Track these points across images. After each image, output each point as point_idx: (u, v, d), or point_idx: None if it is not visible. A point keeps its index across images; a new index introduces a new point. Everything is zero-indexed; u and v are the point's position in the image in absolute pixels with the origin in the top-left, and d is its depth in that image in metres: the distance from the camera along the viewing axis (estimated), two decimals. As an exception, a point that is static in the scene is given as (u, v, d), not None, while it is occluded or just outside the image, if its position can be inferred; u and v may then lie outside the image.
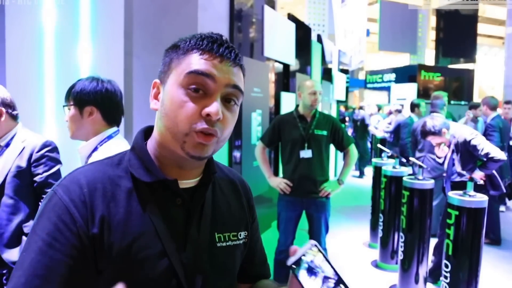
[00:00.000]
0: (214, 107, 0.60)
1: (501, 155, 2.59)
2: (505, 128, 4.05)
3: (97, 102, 1.28)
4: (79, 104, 1.28)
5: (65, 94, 1.31)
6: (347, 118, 9.91)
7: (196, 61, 0.61)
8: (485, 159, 2.64)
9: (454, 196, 2.33)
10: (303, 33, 5.27)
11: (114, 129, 1.33)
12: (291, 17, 4.93)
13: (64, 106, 1.32)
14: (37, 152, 1.51)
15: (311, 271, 0.58)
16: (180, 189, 0.65)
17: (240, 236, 0.72)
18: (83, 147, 1.29)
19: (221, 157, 3.36)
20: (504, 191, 2.90)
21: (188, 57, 0.62)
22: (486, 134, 3.95)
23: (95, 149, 1.27)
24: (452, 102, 8.11)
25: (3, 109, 1.52)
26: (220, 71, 0.61)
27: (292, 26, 4.79)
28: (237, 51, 0.65)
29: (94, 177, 0.62)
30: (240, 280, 0.78)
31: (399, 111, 6.48)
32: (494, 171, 2.77)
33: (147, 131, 0.70)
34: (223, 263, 0.68)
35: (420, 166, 2.83)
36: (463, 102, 8.92)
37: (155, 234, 0.61)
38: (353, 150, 2.61)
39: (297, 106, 2.66)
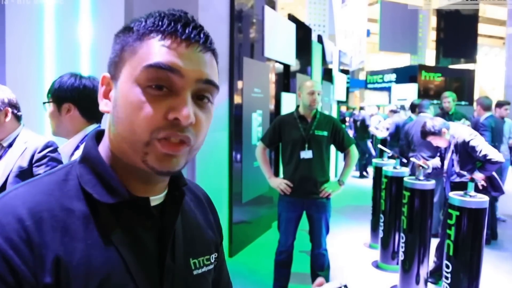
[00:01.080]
0: (185, 110, 0.47)
1: (499, 157, 2.59)
2: (498, 128, 4.07)
3: (74, 99, 1.27)
4: (57, 101, 1.28)
5: (47, 91, 1.33)
6: (347, 119, 9.90)
7: (156, 50, 0.48)
8: (483, 160, 2.64)
9: (455, 196, 2.33)
10: (303, 33, 5.28)
11: (94, 126, 1.32)
12: (292, 18, 4.93)
13: (44, 103, 1.33)
14: (39, 152, 1.51)
15: None
16: (152, 209, 0.53)
17: (212, 259, 0.61)
18: (65, 146, 1.29)
19: (221, 157, 3.36)
20: (504, 192, 2.89)
21: (144, 43, 0.48)
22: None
23: (77, 147, 1.26)
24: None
25: (9, 109, 1.52)
26: (188, 61, 0.48)
27: (292, 26, 4.79)
28: (207, 32, 0.51)
29: (37, 202, 0.45)
30: None
31: (394, 112, 6.48)
32: (494, 172, 2.77)
33: (99, 136, 0.56)
34: None
35: (421, 166, 2.82)
36: (463, 103, 8.92)
37: (126, 271, 0.48)
38: (353, 150, 2.61)
39: (297, 106, 2.66)
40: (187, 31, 0.48)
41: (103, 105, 0.53)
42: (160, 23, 0.49)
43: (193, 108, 0.49)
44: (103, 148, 0.54)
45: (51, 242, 0.44)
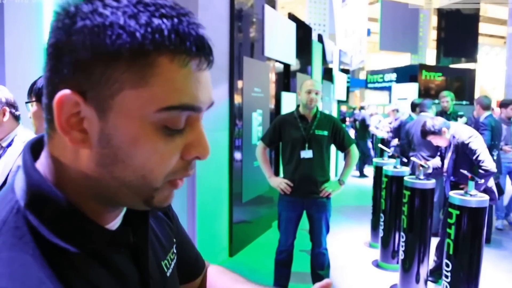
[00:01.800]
0: (208, 146, 0.41)
1: (492, 167, 2.58)
2: (497, 127, 4.08)
3: None
4: (41, 100, 1.30)
5: (28, 91, 1.36)
6: (347, 119, 9.90)
7: (179, 80, 0.37)
8: (476, 165, 2.63)
9: (455, 195, 2.33)
10: (303, 32, 5.27)
11: None
12: (292, 17, 4.93)
13: (26, 102, 1.35)
14: None
15: None
16: (130, 238, 0.46)
17: (174, 249, 0.59)
18: None
19: (221, 157, 3.36)
20: (498, 202, 2.92)
21: (158, 69, 0.36)
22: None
23: None
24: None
25: (7, 109, 1.53)
26: (204, 89, 0.40)
27: (292, 25, 4.79)
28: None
29: (21, 280, 0.35)
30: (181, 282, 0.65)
31: (397, 110, 6.50)
32: (492, 181, 2.75)
33: (35, 150, 0.44)
34: None
35: (421, 166, 2.82)
36: (464, 102, 8.91)
37: None
38: (354, 150, 2.61)
39: (298, 106, 2.66)
40: (204, 47, 0.39)
41: (77, 138, 0.38)
42: (173, 36, 0.36)
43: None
44: (46, 167, 0.41)
45: None
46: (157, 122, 0.37)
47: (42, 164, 0.42)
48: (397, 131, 5.34)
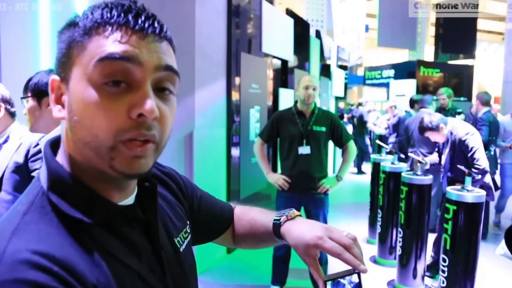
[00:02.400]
0: (148, 104, 0.44)
1: (485, 166, 2.58)
2: (495, 123, 4.09)
3: None
4: (37, 95, 1.34)
5: (23, 87, 1.36)
6: (345, 115, 9.90)
7: (108, 42, 0.44)
8: (470, 162, 2.62)
9: (452, 191, 2.34)
10: (301, 28, 5.26)
11: None
12: (290, 13, 4.91)
13: (22, 98, 1.36)
14: (34, 147, 1.51)
15: None
16: (139, 213, 0.53)
17: (188, 229, 0.64)
18: (47, 137, 1.30)
19: (219, 154, 3.35)
20: (494, 200, 2.93)
21: (94, 38, 0.45)
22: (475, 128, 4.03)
23: None
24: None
25: (2, 105, 1.52)
26: (144, 50, 0.45)
27: (290, 21, 4.77)
28: (161, 21, 0.48)
29: (44, 249, 0.41)
30: (218, 235, 0.77)
31: (395, 107, 6.51)
32: (489, 178, 2.75)
33: (54, 146, 0.52)
34: (190, 265, 0.62)
35: (419, 162, 2.82)
36: (462, 99, 8.92)
37: (138, 278, 0.49)
38: (352, 146, 2.61)
39: (295, 102, 2.65)
40: (139, 21, 0.45)
41: (56, 111, 0.48)
42: (108, 15, 0.45)
43: (156, 101, 0.46)
44: (63, 159, 0.49)
45: (86, 272, 0.43)
46: (97, 79, 0.44)
47: (60, 157, 0.50)
48: (396, 127, 5.34)
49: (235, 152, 3.55)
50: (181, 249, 0.60)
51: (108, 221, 0.48)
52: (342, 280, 0.59)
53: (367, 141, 7.93)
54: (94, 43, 0.45)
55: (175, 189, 0.67)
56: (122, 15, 0.45)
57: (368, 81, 11.13)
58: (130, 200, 0.52)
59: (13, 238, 0.41)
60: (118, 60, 0.44)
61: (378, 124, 7.33)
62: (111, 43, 0.44)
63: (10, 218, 0.45)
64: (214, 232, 0.76)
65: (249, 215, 0.78)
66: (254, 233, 0.75)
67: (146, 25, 0.46)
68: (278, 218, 0.69)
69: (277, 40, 4.36)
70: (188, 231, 0.65)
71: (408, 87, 8.82)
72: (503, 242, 1.34)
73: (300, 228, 0.65)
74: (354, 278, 0.59)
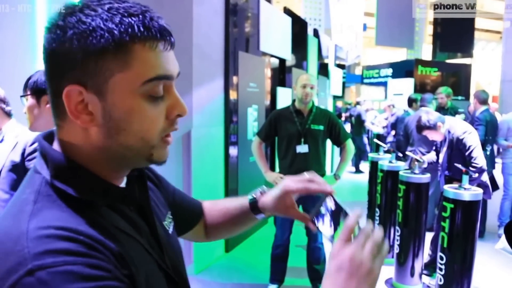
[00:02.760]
0: (184, 105, 0.53)
1: (483, 165, 2.58)
2: (492, 122, 4.06)
3: None
4: (37, 94, 1.35)
5: (23, 85, 1.38)
6: (343, 114, 9.91)
7: (152, 61, 0.49)
8: (467, 161, 2.63)
9: (449, 189, 2.34)
10: (299, 27, 5.26)
11: None
12: (287, 11, 4.91)
13: (21, 96, 1.38)
14: (30, 145, 1.50)
15: (323, 216, 0.65)
16: (136, 193, 0.59)
17: (170, 216, 0.68)
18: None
19: (217, 153, 3.35)
20: (491, 198, 2.93)
21: (135, 54, 0.48)
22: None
23: None
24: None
25: None
26: (172, 63, 0.51)
27: (288, 20, 4.76)
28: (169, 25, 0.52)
29: (63, 226, 0.44)
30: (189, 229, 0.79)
31: (393, 106, 6.52)
32: (486, 178, 2.76)
33: (48, 140, 0.54)
34: (178, 247, 0.66)
35: (417, 161, 2.83)
36: (460, 97, 8.93)
37: (146, 253, 0.54)
38: (349, 145, 2.61)
39: (293, 100, 2.65)
40: (163, 32, 0.49)
41: (86, 120, 0.49)
42: (140, 27, 0.47)
43: None
44: (65, 152, 0.51)
45: (107, 241, 0.46)
46: (143, 94, 0.49)
47: (57, 148, 0.53)
48: (394, 126, 5.35)
49: (233, 151, 3.55)
50: (170, 231, 0.65)
51: (113, 203, 0.52)
52: (322, 211, 0.65)
53: (365, 140, 7.94)
54: (139, 60, 0.48)
55: (154, 179, 0.71)
56: (150, 26, 0.48)
57: (366, 80, 11.14)
58: (123, 183, 0.57)
59: (32, 219, 0.44)
60: (165, 79, 0.50)
61: (376, 123, 7.34)
62: (155, 62, 0.49)
63: (21, 206, 0.47)
64: (185, 226, 0.78)
65: (219, 205, 0.83)
66: (229, 219, 0.80)
67: (168, 35, 0.50)
68: (253, 196, 0.77)
69: (275, 39, 4.36)
70: (171, 217, 0.68)
71: (406, 86, 8.82)
72: (503, 236, 1.34)
73: (271, 193, 0.75)
74: (329, 204, 0.65)
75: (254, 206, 0.76)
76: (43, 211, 0.45)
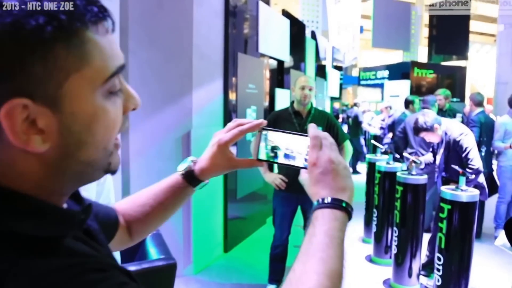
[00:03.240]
0: (137, 95, 0.45)
1: (479, 166, 2.61)
2: (487, 124, 4.08)
3: None
4: None
5: None
6: (340, 115, 9.96)
7: (108, 47, 0.39)
8: (464, 162, 2.66)
9: (446, 190, 2.37)
10: (297, 29, 5.28)
11: None
12: (286, 14, 4.93)
13: None
14: None
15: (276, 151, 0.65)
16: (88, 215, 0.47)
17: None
18: None
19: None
20: (487, 199, 2.97)
21: (86, 42, 0.36)
22: None
23: None
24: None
25: None
26: (117, 45, 0.42)
27: (286, 22, 4.79)
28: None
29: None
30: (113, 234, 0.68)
31: (390, 107, 6.57)
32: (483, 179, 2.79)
33: None
34: None
35: (414, 162, 2.86)
36: (455, 99, 9.01)
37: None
38: (348, 146, 2.63)
39: (292, 102, 2.68)
40: (107, 9, 0.40)
41: (36, 142, 0.36)
42: (87, 7, 0.37)
43: None
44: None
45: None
46: (105, 92, 0.40)
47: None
48: (391, 127, 5.38)
49: (232, 151, 3.55)
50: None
51: (72, 230, 0.42)
52: (268, 147, 0.64)
53: (362, 141, 7.98)
54: (97, 51, 0.37)
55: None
56: (95, 2, 0.38)
57: (362, 82, 11.20)
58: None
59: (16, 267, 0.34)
60: (122, 69, 0.41)
61: (373, 124, 7.39)
62: (114, 48, 0.40)
63: None
64: (111, 234, 0.68)
65: (142, 198, 0.73)
66: (159, 206, 0.71)
67: (108, 16, 0.40)
68: (186, 168, 0.70)
69: (274, 40, 4.38)
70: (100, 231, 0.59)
71: (402, 88, 8.89)
72: (502, 232, 1.37)
73: (206, 156, 0.70)
74: (270, 136, 0.65)
75: (191, 178, 0.70)
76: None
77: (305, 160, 0.61)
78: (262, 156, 0.65)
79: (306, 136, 0.61)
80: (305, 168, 0.61)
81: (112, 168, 0.44)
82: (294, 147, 0.63)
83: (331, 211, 0.54)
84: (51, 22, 0.34)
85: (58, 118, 0.37)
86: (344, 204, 0.55)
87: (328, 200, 0.55)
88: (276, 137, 0.65)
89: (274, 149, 0.64)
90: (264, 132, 0.65)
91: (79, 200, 0.50)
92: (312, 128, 0.61)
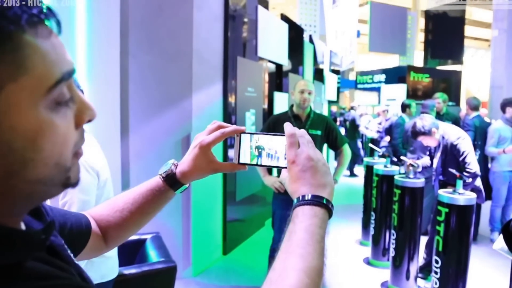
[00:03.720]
0: (92, 106, 0.40)
1: (476, 170, 2.64)
2: (482, 128, 4.11)
3: None
4: None
5: None
6: (338, 119, 10.02)
7: (51, 51, 0.35)
8: (461, 166, 2.69)
9: (444, 194, 2.40)
10: (295, 33, 5.33)
11: None
12: (284, 18, 4.98)
13: None
14: None
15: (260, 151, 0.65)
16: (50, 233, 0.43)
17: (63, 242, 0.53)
18: None
19: (216, 155, 3.37)
20: (484, 202, 3.00)
21: (23, 47, 0.33)
22: None
23: None
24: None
25: None
26: (65, 49, 0.38)
27: (285, 26, 4.83)
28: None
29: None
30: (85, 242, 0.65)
31: (387, 111, 6.62)
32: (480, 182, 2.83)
33: None
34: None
35: (411, 165, 2.89)
36: (450, 103, 9.09)
37: None
38: (346, 149, 2.66)
39: (291, 105, 2.70)
40: (51, 10, 0.36)
41: None
42: (23, 7, 0.33)
43: None
44: None
45: None
46: (49, 103, 0.35)
47: None
48: (388, 131, 5.43)
49: (231, 154, 3.58)
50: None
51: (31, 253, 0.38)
52: (252, 149, 0.65)
53: (359, 144, 8.03)
54: (36, 57, 0.33)
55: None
56: (34, 1, 0.34)
57: (359, 86, 11.27)
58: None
59: None
60: (71, 76, 0.37)
61: (370, 127, 7.44)
62: (58, 53, 0.36)
63: None
64: (83, 242, 0.65)
65: (119, 203, 0.69)
66: (138, 211, 0.68)
67: (53, 12, 0.36)
68: (166, 171, 0.68)
69: (272, 44, 4.42)
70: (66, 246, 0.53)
71: (398, 92, 8.97)
72: (500, 237, 1.39)
73: (188, 158, 0.68)
74: (254, 139, 0.65)
75: (172, 181, 0.67)
76: None
77: (285, 158, 0.62)
78: (244, 159, 0.65)
79: (283, 135, 0.62)
80: (283, 167, 0.63)
81: (71, 181, 0.40)
82: (275, 148, 0.64)
83: (311, 207, 0.54)
84: None
85: None
86: (324, 201, 0.55)
87: (308, 197, 0.55)
88: (256, 140, 0.65)
89: (257, 150, 0.65)
90: (243, 135, 0.66)
91: (40, 216, 0.45)
92: (288, 126, 0.61)
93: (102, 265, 1.44)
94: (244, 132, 0.66)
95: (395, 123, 5.06)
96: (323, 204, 0.54)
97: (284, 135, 0.61)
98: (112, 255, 1.50)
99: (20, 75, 0.32)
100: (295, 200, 0.56)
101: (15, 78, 0.32)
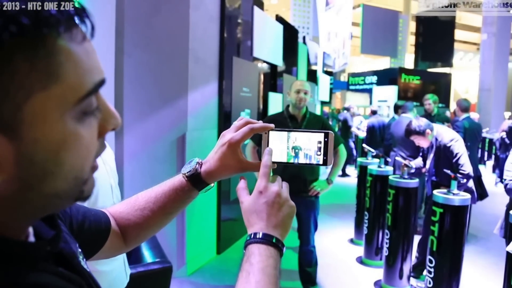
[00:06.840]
0: (118, 115, 0.38)
1: (469, 171, 2.68)
2: (472, 129, 4.19)
3: None
4: None
5: None
6: (330, 119, 10.08)
7: (84, 58, 0.32)
8: (455, 168, 2.73)
9: (439, 194, 2.44)
10: (290, 34, 5.35)
11: None
12: (279, 19, 4.99)
13: None
14: None
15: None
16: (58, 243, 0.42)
17: (80, 250, 0.51)
18: None
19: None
20: (475, 203, 3.05)
21: (57, 53, 0.30)
22: None
23: None
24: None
25: None
26: (96, 55, 0.35)
27: (280, 27, 4.85)
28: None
29: None
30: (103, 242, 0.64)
31: (374, 112, 6.65)
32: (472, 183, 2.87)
33: None
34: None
35: (406, 166, 2.92)
36: (440, 105, 9.24)
37: None
38: (342, 150, 2.68)
39: (287, 106, 2.71)
40: (85, 13, 0.32)
41: None
42: (62, 11, 0.30)
43: None
44: None
45: None
46: (78, 114, 0.33)
47: None
48: (371, 130, 5.53)
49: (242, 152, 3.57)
50: (89, 271, 0.49)
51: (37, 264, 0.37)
52: (284, 146, 0.64)
53: (351, 144, 8.09)
54: (70, 63, 0.31)
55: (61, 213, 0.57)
56: (67, 4, 0.30)
57: (351, 87, 11.38)
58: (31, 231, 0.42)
59: None
60: (99, 87, 0.35)
61: (361, 128, 7.51)
62: (91, 60, 0.33)
63: None
64: (93, 249, 0.63)
65: (141, 201, 0.67)
66: (160, 209, 0.66)
67: (87, 14, 0.32)
68: (191, 170, 0.65)
69: (267, 45, 4.43)
70: (80, 250, 0.52)
71: (390, 93, 9.08)
72: None
73: (214, 157, 0.65)
74: (280, 137, 0.64)
75: (197, 180, 0.65)
76: None
77: (317, 154, 0.63)
78: (277, 158, 0.64)
79: (315, 132, 0.63)
80: (319, 165, 0.63)
81: (85, 195, 0.37)
82: (310, 146, 0.63)
83: (267, 247, 0.54)
84: (9, 26, 0.27)
85: (15, 146, 0.30)
86: (274, 240, 0.54)
87: (259, 235, 0.55)
88: (293, 140, 0.64)
89: (294, 150, 0.64)
90: (271, 132, 0.64)
91: (52, 221, 0.43)
92: (266, 155, 0.61)
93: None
94: (272, 129, 0.65)
95: (387, 124, 5.12)
96: (273, 243, 0.54)
97: (315, 132, 0.62)
98: (113, 268, 1.39)
99: (51, 83, 0.30)
100: (247, 236, 0.57)
101: (44, 87, 0.30)
